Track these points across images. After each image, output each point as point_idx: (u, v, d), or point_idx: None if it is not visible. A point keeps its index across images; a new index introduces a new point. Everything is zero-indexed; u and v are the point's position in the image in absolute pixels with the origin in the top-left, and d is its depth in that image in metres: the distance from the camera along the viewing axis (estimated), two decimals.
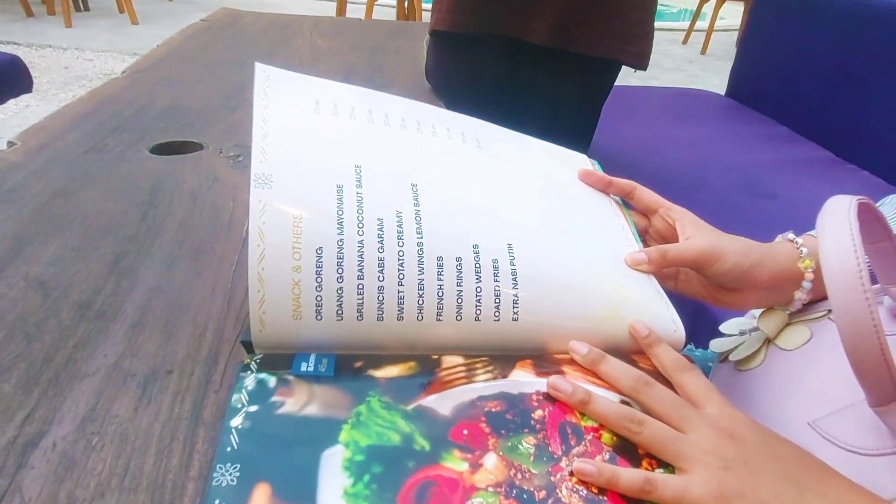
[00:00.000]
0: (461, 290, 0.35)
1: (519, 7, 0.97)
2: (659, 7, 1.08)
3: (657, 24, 1.05)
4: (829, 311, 0.45)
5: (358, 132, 0.40)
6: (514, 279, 0.36)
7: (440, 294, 0.35)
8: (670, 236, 0.48)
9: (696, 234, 0.45)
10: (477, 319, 0.36)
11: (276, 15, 1.39)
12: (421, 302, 0.35)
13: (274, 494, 0.27)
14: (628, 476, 0.30)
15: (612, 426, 0.33)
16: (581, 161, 0.54)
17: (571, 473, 0.30)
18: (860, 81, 1.27)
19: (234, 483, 0.27)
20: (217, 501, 0.27)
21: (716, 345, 0.52)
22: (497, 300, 0.36)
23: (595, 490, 0.30)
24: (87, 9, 3.67)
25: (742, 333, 0.51)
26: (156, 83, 0.91)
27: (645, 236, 0.50)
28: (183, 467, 0.33)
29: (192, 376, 0.39)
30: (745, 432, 0.33)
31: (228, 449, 0.29)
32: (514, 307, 0.36)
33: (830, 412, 0.38)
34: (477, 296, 0.36)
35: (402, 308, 0.35)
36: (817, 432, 0.38)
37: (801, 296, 0.45)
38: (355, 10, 2.98)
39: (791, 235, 0.47)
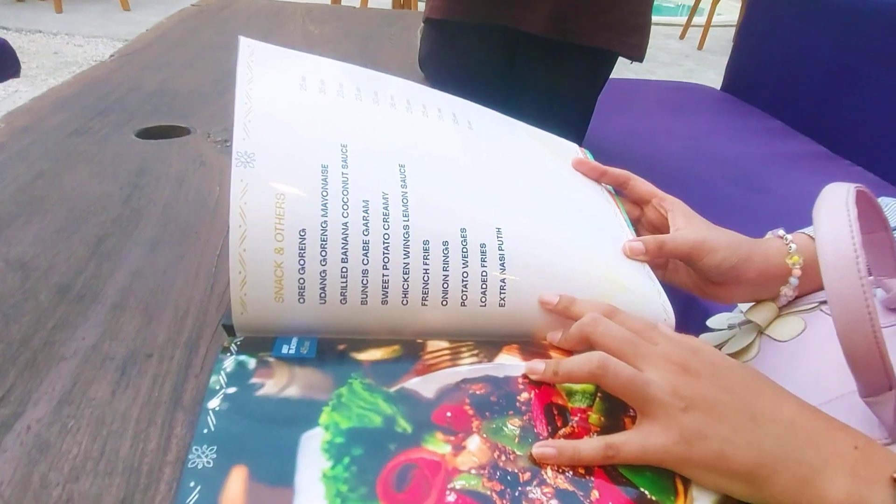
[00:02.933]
0: (447, 275, 0.35)
1: None
2: (657, 1, 1.07)
3: (655, 18, 1.04)
4: (821, 302, 0.45)
5: (345, 110, 0.39)
6: (502, 264, 0.36)
7: (426, 278, 0.34)
8: (662, 227, 0.47)
9: (686, 226, 0.45)
10: (463, 304, 0.35)
11: (268, 1, 1.37)
12: (406, 286, 0.34)
13: (251, 476, 0.26)
14: (589, 447, 0.30)
15: (582, 378, 0.32)
16: (573, 150, 0.54)
17: None
18: (855, 77, 1.27)
19: (211, 465, 0.27)
20: (192, 483, 0.26)
21: (705, 339, 0.51)
22: (484, 285, 0.35)
23: (582, 471, 0.29)
24: None
25: (731, 328, 0.50)
26: (144, 67, 0.90)
27: (637, 226, 0.50)
28: (160, 451, 0.32)
29: (173, 360, 0.38)
30: (698, 365, 0.32)
31: (205, 430, 0.28)
32: (501, 292, 0.35)
33: (821, 403, 0.37)
34: (463, 280, 0.35)
35: (387, 292, 0.34)
36: None
37: (787, 292, 0.45)
38: None
39: (781, 232, 0.46)
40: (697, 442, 0.29)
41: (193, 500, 0.25)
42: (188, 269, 0.47)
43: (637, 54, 1.00)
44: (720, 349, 0.49)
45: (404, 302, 0.34)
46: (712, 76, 3.10)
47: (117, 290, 0.44)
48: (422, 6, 1.06)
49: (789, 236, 0.46)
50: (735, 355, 0.47)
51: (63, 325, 0.40)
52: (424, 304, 0.34)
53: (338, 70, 0.43)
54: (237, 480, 0.26)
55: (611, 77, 1.10)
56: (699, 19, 3.92)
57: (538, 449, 0.30)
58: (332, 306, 0.34)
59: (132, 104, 0.76)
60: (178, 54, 0.97)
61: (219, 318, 0.42)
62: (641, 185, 0.50)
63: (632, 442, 0.30)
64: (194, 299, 0.44)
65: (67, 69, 2.56)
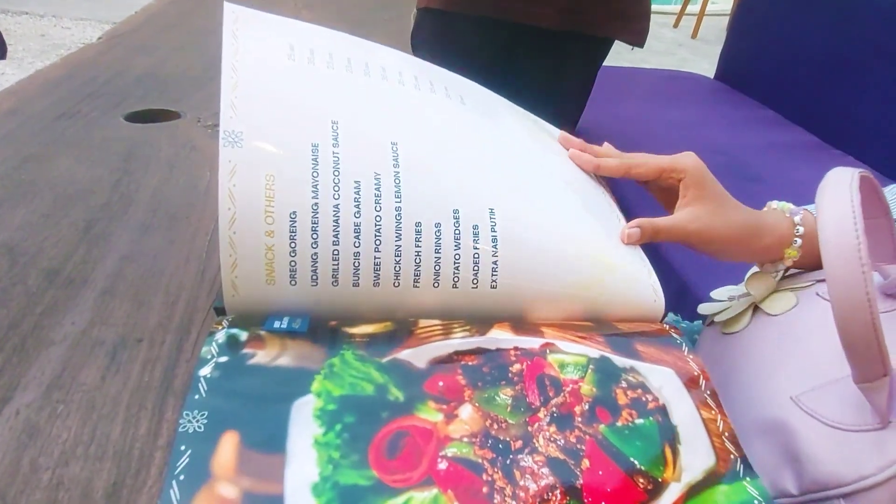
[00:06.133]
0: (439, 257, 0.34)
1: None
2: None
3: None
4: (817, 281, 0.45)
5: (336, 83, 0.38)
6: (495, 245, 0.35)
7: (417, 261, 0.34)
8: (673, 190, 0.46)
9: (692, 203, 0.44)
10: (454, 286, 0.35)
11: None
12: (398, 268, 0.34)
13: (242, 442, 0.26)
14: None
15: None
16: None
17: (550, 423, 0.30)
18: (849, 67, 1.27)
19: (202, 430, 0.26)
20: (183, 447, 0.26)
21: (704, 308, 0.52)
22: (476, 266, 0.35)
23: (573, 439, 0.29)
24: None
25: (731, 299, 0.51)
26: (133, 50, 0.89)
27: (647, 189, 0.49)
28: (151, 436, 0.32)
29: (163, 345, 0.38)
30: None
31: (196, 397, 0.28)
32: (492, 273, 0.35)
33: (813, 386, 0.38)
34: (455, 262, 0.35)
35: (379, 275, 0.34)
36: (799, 407, 0.37)
37: (791, 253, 0.45)
38: None
39: (776, 205, 0.46)
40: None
41: (184, 464, 0.25)
42: (179, 254, 0.47)
43: (640, 40, 1.00)
44: (714, 318, 0.49)
45: (396, 284, 0.34)
46: (705, 65, 3.10)
47: (107, 275, 0.44)
48: None
49: (797, 217, 0.45)
50: (726, 324, 0.47)
51: (52, 310, 0.40)
52: (416, 287, 0.34)
53: (327, 38, 0.42)
54: (228, 445, 0.26)
55: (604, 65, 1.10)
56: (693, 8, 3.91)
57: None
58: (323, 289, 0.33)
59: (121, 88, 0.75)
60: (168, 37, 0.96)
61: (209, 302, 0.42)
62: (645, 169, 0.47)
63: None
64: (185, 284, 0.43)
65: (55, 52, 2.52)
